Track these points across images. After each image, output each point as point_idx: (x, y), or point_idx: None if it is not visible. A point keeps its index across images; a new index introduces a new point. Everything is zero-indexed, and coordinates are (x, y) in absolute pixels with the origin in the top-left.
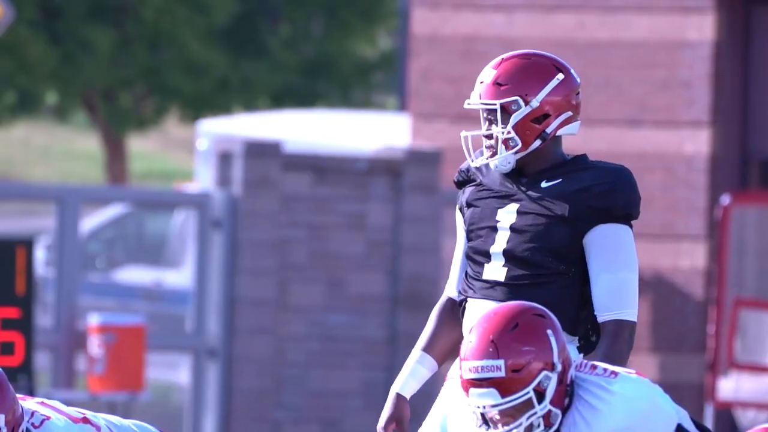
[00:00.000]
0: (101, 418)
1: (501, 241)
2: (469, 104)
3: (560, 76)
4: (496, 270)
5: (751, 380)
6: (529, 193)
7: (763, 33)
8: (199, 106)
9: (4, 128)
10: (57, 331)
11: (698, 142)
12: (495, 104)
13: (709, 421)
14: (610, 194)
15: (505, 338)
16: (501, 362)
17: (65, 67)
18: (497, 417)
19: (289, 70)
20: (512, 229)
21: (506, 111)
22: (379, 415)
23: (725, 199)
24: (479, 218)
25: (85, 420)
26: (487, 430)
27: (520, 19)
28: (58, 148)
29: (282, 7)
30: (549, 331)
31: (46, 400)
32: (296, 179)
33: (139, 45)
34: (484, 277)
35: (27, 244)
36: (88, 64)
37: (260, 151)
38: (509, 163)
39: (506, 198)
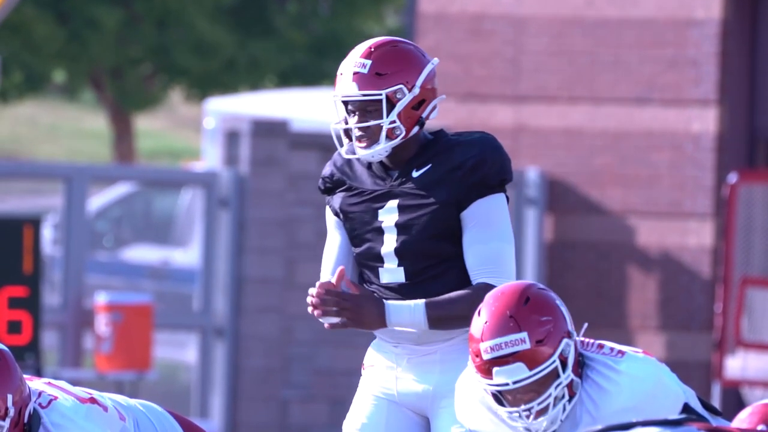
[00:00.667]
0: (108, 398)
1: (390, 241)
2: (346, 97)
3: (435, 60)
4: (392, 272)
5: (758, 359)
6: (404, 186)
7: None
8: (206, 85)
9: (11, 107)
10: (64, 310)
11: (706, 121)
12: (381, 94)
13: (716, 400)
14: (481, 166)
15: (522, 312)
16: (524, 334)
17: (72, 46)
18: (520, 395)
19: (297, 48)
20: (398, 226)
21: (390, 100)
22: None
23: (732, 178)
24: (360, 223)
25: (93, 400)
26: (510, 414)
27: None
28: (65, 127)
29: None
30: (558, 301)
31: (53, 381)
32: (303, 158)
33: (146, 23)
34: (383, 281)
35: (34, 222)
36: (95, 43)
37: (267, 130)
38: (386, 151)
39: (382, 197)
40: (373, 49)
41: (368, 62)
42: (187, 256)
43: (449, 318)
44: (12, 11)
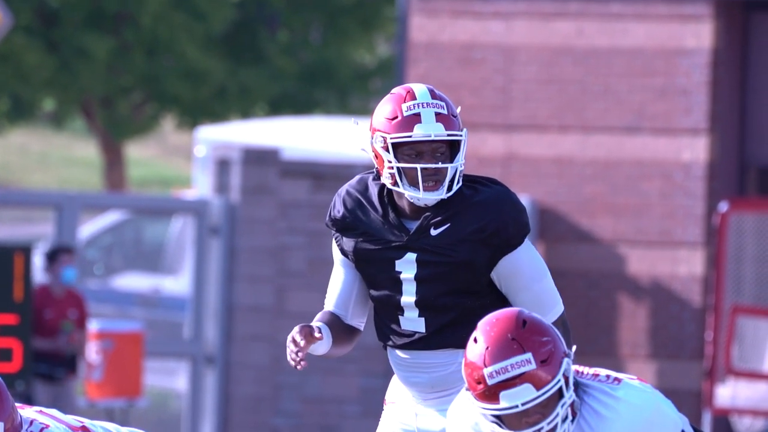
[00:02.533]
0: (99, 426)
1: (409, 292)
2: (438, 136)
3: (458, 107)
4: (413, 322)
5: (748, 387)
6: (422, 242)
7: (761, 40)
8: (197, 113)
9: (1, 135)
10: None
11: (696, 150)
12: (462, 135)
13: (706, 428)
14: (504, 230)
15: (522, 334)
16: (529, 355)
17: (62, 75)
18: (526, 419)
19: (287, 77)
20: (417, 280)
21: (458, 143)
22: (376, 422)
23: (723, 206)
24: (376, 270)
25: (84, 429)
26: None
27: (519, 26)
28: (56, 155)
29: (280, 14)
30: (550, 324)
31: (44, 409)
32: (294, 186)
33: (136, 52)
34: (404, 328)
35: (25, 250)
36: (85, 72)
37: (258, 158)
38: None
39: (400, 249)
40: (435, 92)
41: (443, 103)
42: (177, 283)
43: None
44: (1, 40)
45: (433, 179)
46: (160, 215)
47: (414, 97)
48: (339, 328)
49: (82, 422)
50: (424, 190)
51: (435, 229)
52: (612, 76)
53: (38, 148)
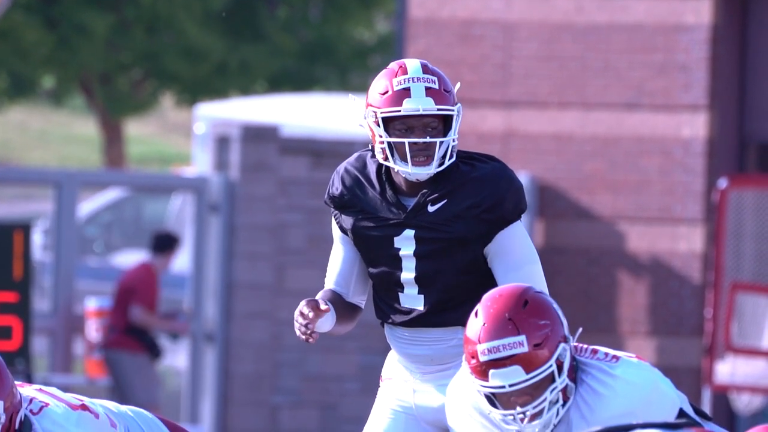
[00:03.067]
0: (99, 404)
1: (409, 268)
2: (427, 110)
3: (457, 84)
4: (412, 299)
5: (747, 364)
6: (419, 219)
7: (761, 16)
8: (196, 90)
9: (0, 112)
10: (54, 316)
11: (696, 126)
12: (453, 110)
13: (706, 405)
14: (499, 205)
15: (520, 314)
16: (523, 338)
17: (61, 52)
18: (514, 398)
19: (287, 54)
20: (416, 256)
21: (450, 119)
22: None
23: (723, 183)
24: (375, 247)
25: (84, 407)
26: (504, 416)
27: (519, 2)
28: (55, 132)
29: None
30: (555, 306)
31: (44, 387)
32: (293, 163)
33: (136, 29)
34: (403, 305)
35: (24, 228)
36: (84, 48)
37: (257, 135)
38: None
39: (398, 226)
40: (428, 67)
41: (435, 78)
42: (177, 261)
43: None
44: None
45: (424, 154)
46: (160, 193)
47: (405, 72)
48: (341, 305)
49: (81, 400)
50: (414, 165)
51: (432, 205)
52: (611, 52)
53: (37, 126)
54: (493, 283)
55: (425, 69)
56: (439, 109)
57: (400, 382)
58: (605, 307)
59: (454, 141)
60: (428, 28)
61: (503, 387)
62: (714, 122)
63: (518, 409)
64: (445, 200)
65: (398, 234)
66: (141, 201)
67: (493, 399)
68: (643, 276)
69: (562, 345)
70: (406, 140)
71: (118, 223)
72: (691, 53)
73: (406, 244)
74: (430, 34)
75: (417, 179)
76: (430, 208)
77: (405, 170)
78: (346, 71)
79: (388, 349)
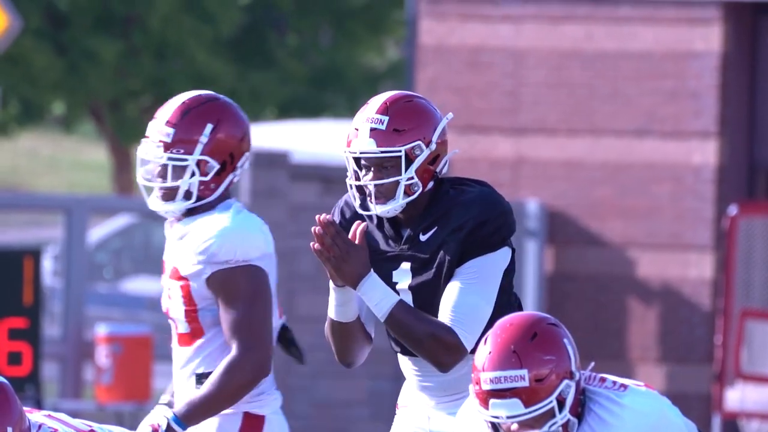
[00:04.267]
0: (108, 430)
1: (407, 302)
2: (365, 153)
3: (449, 115)
4: None
5: (756, 391)
6: (413, 250)
7: None
8: None
9: (10, 139)
10: (64, 342)
11: (706, 153)
12: (400, 151)
13: None
14: (481, 228)
15: (526, 348)
16: (524, 372)
17: (71, 78)
18: (514, 428)
19: (297, 80)
20: (411, 289)
21: (408, 157)
22: (386, 425)
23: (733, 210)
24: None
25: None
26: None
27: (528, 29)
28: (65, 159)
29: (289, 18)
30: (565, 340)
31: (53, 413)
32: (304, 189)
33: (145, 55)
34: None
35: (34, 254)
36: (93, 75)
37: (268, 162)
38: (402, 207)
39: (395, 260)
40: (389, 105)
41: (385, 118)
42: None
43: (405, 329)
44: (10, 43)
45: (381, 194)
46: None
47: (364, 111)
48: (360, 321)
49: (90, 426)
50: (375, 203)
51: (423, 234)
52: (621, 79)
53: (47, 152)
54: (497, 311)
55: (382, 108)
56: (382, 151)
57: (415, 409)
58: (615, 333)
59: (409, 180)
60: (438, 55)
61: (502, 418)
62: (724, 149)
63: None
64: (436, 227)
65: (396, 268)
66: (151, 227)
67: (496, 426)
68: (653, 303)
69: (565, 381)
70: (349, 182)
71: (127, 250)
72: (701, 80)
73: (402, 277)
74: (439, 61)
75: (386, 216)
76: (422, 237)
77: (371, 210)
78: (355, 97)
79: (398, 375)
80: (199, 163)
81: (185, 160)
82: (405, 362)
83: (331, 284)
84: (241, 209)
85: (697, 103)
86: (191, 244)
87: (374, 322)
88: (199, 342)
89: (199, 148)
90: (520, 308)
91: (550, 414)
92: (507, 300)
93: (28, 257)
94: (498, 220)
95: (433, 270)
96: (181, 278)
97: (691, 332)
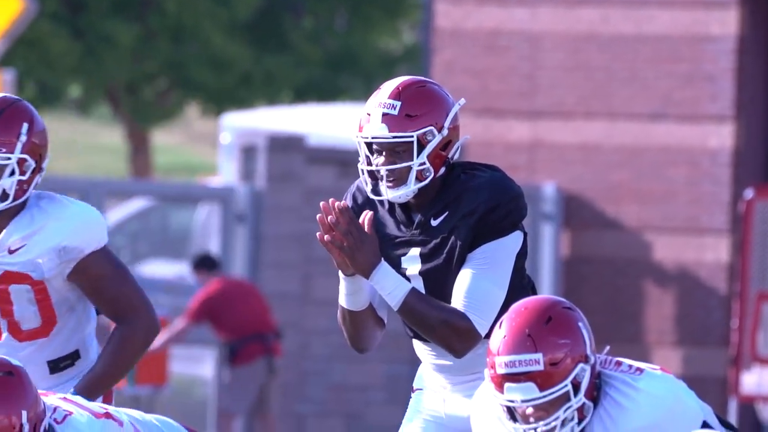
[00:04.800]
0: (124, 413)
1: (418, 287)
2: (377, 138)
3: (461, 101)
4: None
5: None
6: (424, 235)
7: None
8: (222, 100)
9: None
10: None
11: (722, 136)
12: (412, 136)
13: (733, 415)
14: (492, 212)
15: (541, 331)
16: (539, 356)
17: (88, 61)
18: (530, 412)
19: (313, 63)
20: (422, 274)
21: (420, 142)
22: (401, 409)
23: (749, 193)
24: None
25: (108, 415)
26: (517, 426)
27: (544, 13)
28: (81, 142)
29: (305, 1)
30: (580, 324)
31: (68, 396)
32: (320, 173)
33: (161, 39)
34: None
35: None
36: (110, 58)
37: (284, 145)
38: (413, 193)
39: (404, 244)
40: (401, 90)
41: (398, 103)
42: None
43: (418, 317)
44: (27, 26)
45: (390, 178)
46: (186, 202)
47: (376, 96)
48: (371, 308)
49: (105, 409)
50: (387, 188)
51: (435, 219)
52: (638, 62)
53: (64, 135)
54: (510, 293)
55: (395, 92)
56: (394, 137)
57: (430, 393)
58: (631, 317)
59: (421, 165)
60: (454, 38)
61: (517, 401)
62: (740, 132)
63: (531, 424)
64: (447, 212)
65: (405, 253)
66: (167, 211)
67: (511, 410)
68: (670, 286)
69: (580, 365)
70: (361, 167)
71: (144, 233)
72: (718, 64)
73: (411, 262)
74: (456, 44)
75: (398, 201)
76: (433, 222)
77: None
78: (371, 81)
79: (413, 359)
80: (19, 162)
81: (9, 159)
82: (420, 346)
83: (341, 273)
84: (66, 198)
85: (714, 86)
86: (44, 244)
87: (387, 308)
88: (50, 332)
89: (19, 146)
90: (533, 290)
91: (565, 398)
92: (519, 282)
93: None
94: (509, 204)
95: (444, 255)
96: (28, 279)
97: (707, 316)
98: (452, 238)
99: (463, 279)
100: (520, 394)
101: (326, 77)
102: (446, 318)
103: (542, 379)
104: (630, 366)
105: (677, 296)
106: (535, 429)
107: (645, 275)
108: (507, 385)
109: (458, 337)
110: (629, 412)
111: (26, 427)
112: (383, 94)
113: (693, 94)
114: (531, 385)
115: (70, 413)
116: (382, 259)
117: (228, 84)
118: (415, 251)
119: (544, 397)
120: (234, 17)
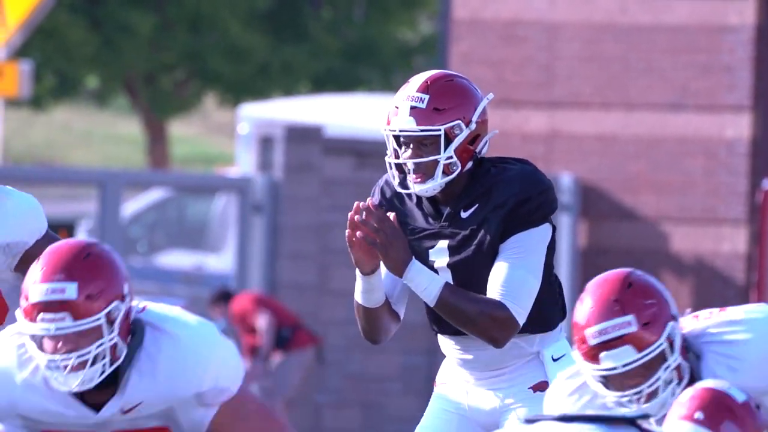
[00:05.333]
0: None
1: (445, 279)
2: (404, 132)
3: (490, 95)
4: None
5: None
6: (453, 228)
7: None
8: (239, 91)
9: (45, 112)
10: None
11: (739, 127)
12: (440, 130)
13: None
14: (524, 204)
15: (626, 296)
16: (631, 317)
17: (105, 51)
18: (626, 380)
19: (330, 54)
20: (450, 267)
21: (447, 136)
22: (418, 400)
23: (766, 184)
24: (416, 257)
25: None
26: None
27: (562, 3)
28: (99, 132)
29: None
30: (660, 287)
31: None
32: (337, 163)
33: (179, 29)
34: None
35: (68, 228)
36: (128, 48)
37: (301, 136)
38: (441, 186)
39: (432, 237)
40: (429, 83)
41: (426, 96)
42: (220, 261)
43: (456, 311)
44: (45, 16)
45: (417, 172)
46: (204, 193)
47: (405, 89)
48: (387, 304)
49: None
50: (414, 182)
51: (465, 211)
52: (655, 52)
53: (82, 126)
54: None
55: (423, 86)
56: (421, 130)
57: (453, 386)
58: None
59: (448, 159)
60: (471, 28)
61: (615, 368)
62: (758, 123)
63: (632, 390)
64: (477, 205)
65: (432, 246)
66: (185, 201)
67: (605, 384)
68: (687, 277)
69: (671, 323)
70: (388, 160)
71: (161, 224)
72: (735, 54)
73: (439, 255)
74: (473, 34)
75: (425, 195)
76: (463, 214)
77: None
78: (389, 71)
79: (430, 350)
80: None
81: None
82: (445, 340)
83: (357, 271)
84: (1, 190)
85: (731, 76)
86: None
87: (404, 304)
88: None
89: None
90: (560, 288)
91: (662, 358)
92: (548, 278)
93: (62, 231)
94: (540, 197)
95: (473, 247)
96: None
97: (724, 306)
98: (482, 230)
99: (498, 269)
100: (617, 359)
101: (344, 68)
102: (484, 309)
103: (638, 341)
104: (710, 312)
105: (695, 287)
106: (640, 393)
107: (662, 266)
108: (603, 354)
109: (498, 327)
110: (745, 342)
111: (127, 298)
112: (411, 88)
113: (710, 85)
114: (628, 348)
115: (146, 306)
116: (413, 257)
117: (246, 74)
118: (443, 243)
119: (643, 357)
120: (252, 7)
